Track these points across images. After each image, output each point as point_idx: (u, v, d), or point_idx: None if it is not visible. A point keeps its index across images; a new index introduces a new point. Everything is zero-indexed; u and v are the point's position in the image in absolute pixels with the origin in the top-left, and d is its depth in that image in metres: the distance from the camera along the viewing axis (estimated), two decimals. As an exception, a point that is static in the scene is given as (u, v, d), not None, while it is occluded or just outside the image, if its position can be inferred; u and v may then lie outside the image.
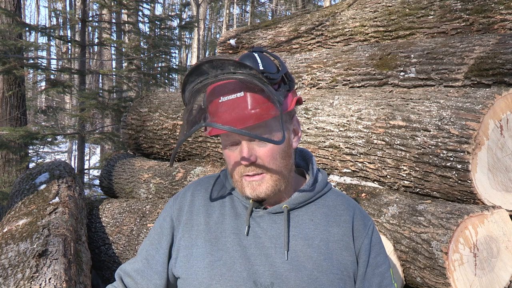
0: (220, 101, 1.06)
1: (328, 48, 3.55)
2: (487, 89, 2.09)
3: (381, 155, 2.22)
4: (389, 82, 2.64)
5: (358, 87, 2.80)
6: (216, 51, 5.40)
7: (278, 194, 1.15)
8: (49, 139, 6.22)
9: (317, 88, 3.03)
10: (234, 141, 1.10)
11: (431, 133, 2.02)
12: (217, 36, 23.13)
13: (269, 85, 1.03)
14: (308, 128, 2.60)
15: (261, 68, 1.05)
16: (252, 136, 1.01)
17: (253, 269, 1.11)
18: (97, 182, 7.80)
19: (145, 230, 2.88)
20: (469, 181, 1.87)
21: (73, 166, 4.40)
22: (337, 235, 1.15)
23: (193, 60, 14.35)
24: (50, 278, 2.07)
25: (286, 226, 1.13)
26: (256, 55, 1.08)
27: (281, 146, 1.10)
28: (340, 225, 1.16)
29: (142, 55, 7.24)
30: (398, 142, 2.14)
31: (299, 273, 1.10)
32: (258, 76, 1.02)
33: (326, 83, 2.99)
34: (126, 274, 1.29)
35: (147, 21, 7.77)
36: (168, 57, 8.84)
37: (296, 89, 3.15)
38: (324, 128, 2.52)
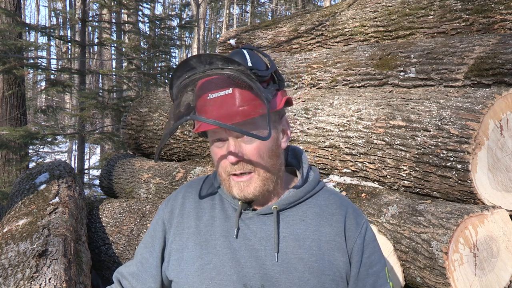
0: (208, 97, 1.05)
1: (328, 48, 3.55)
2: (487, 89, 2.09)
3: (381, 155, 2.22)
4: (389, 82, 2.64)
5: (358, 87, 2.80)
6: (216, 51, 5.41)
7: (266, 194, 1.14)
8: (49, 139, 6.22)
9: (317, 88, 3.03)
10: (221, 138, 1.10)
11: (431, 133, 2.02)
12: (217, 36, 23.12)
13: (257, 82, 1.02)
14: (308, 128, 2.60)
15: (249, 64, 1.04)
16: (237, 130, 1.00)
17: (243, 272, 1.10)
18: (97, 182, 7.80)
19: (145, 230, 2.88)
20: (469, 181, 1.87)
21: (73, 166, 4.40)
22: (329, 235, 1.13)
23: (193, 60, 14.30)
24: (50, 278, 2.07)
25: (276, 227, 1.11)
26: (245, 51, 1.07)
27: (268, 145, 1.09)
28: (332, 225, 1.14)
29: (142, 55, 7.23)
30: (398, 142, 2.14)
31: (290, 275, 1.09)
32: (246, 73, 1.01)
33: (326, 83, 2.99)
34: (123, 277, 1.29)
35: (147, 21, 7.77)
36: (168, 57, 8.84)
37: (296, 89, 3.14)
38: (324, 128, 2.52)
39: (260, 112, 1.04)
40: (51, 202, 2.89)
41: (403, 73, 2.57)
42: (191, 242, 1.17)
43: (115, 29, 8.80)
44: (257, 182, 1.10)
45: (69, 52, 14.06)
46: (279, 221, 1.14)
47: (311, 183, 1.19)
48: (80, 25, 6.57)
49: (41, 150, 8.45)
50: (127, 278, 1.28)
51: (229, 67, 1.01)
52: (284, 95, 1.12)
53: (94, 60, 15.78)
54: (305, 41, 3.77)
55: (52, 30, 6.72)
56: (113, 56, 11.77)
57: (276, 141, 1.12)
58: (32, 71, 8.57)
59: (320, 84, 3.02)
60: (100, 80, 14.56)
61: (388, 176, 2.22)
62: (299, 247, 1.11)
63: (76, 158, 8.18)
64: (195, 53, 13.82)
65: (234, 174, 1.10)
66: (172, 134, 1.09)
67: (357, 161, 2.35)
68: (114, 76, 9.54)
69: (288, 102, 1.14)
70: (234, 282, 1.10)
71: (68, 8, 15.61)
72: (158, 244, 1.23)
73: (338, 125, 2.46)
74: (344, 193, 2.25)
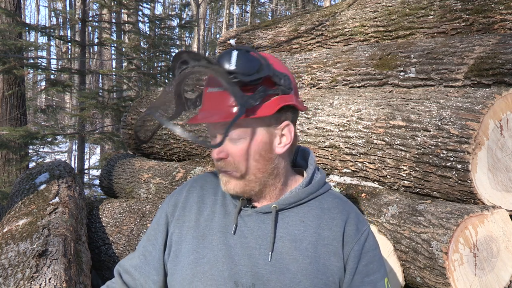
0: (207, 91, 1.09)
1: (328, 48, 3.55)
2: (487, 89, 2.09)
3: (381, 155, 2.22)
4: (389, 82, 2.64)
5: (358, 87, 2.80)
6: (216, 51, 5.40)
7: (253, 194, 1.14)
8: (49, 139, 6.22)
9: (317, 88, 3.03)
10: (213, 133, 1.12)
11: (431, 133, 2.02)
12: (217, 36, 23.12)
13: (235, 85, 1.01)
14: (308, 128, 2.61)
15: (232, 67, 1.01)
16: (186, 136, 1.03)
17: (235, 269, 1.10)
18: (97, 182, 7.80)
19: (145, 230, 2.88)
20: (469, 181, 1.87)
21: (73, 166, 4.40)
22: (327, 239, 1.12)
23: (193, 60, 14.33)
24: (50, 278, 2.07)
25: (273, 226, 1.11)
26: (234, 53, 1.04)
27: (255, 148, 1.09)
28: (331, 228, 1.13)
29: (142, 55, 7.24)
30: (398, 142, 2.14)
31: (282, 276, 1.08)
32: (225, 76, 1.00)
33: (326, 83, 2.99)
34: (124, 271, 1.29)
35: (147, 21, 7.78)
36: (168, 57, 8.84)
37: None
38: (324, 128, 2.52)
39: (232, 116, 1.02)
40: (51, 202, 2.89)
41: (403, 73, 2.57)
42: (189, 236, 1.18)
43: (115, 29, 8.80)
44: (238, 182, 1.11)
45: (69, 52, 14.07)
46: (278, 220, 1.13)
47: (314, 185, 1.17)
48: (80, 25, 6.57)
49: (41, 150, 8.45)
50: (129, 272, 1.28)
51: (211, 66, 1.02)
52: (283, 101, 1.08)
53: (94, 60, 15.79)
54: (305, 41, 3.77)
55: (52, 30, 6.72)
56: (113, 56, 11.77)
57: (267, 146, 1.10)
58: (32, 71, 8.57)
59: (320, 84, 3.03)
60: (100, 80, 14.57)
61: (388, 176, 2.22)
62: (295, 248, 1.10)
63: (76, 158, 8.18)
64: (195, 53, 13.81)
65: (221, 169, 1.13)
66: (153, 111, 1.10)
67: (357, 161, 2.35)
68: (114, 76, 9.54)
69: (293, 107, 1.12)
70: (225, 278, 1.10)
71: (68, 8, 15.61)
72: (160, 237, 1.24)
73: (338, 125, 2.46)
74: (344, 193, 2.25)
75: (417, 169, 2.06)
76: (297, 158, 1.26)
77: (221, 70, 1.01)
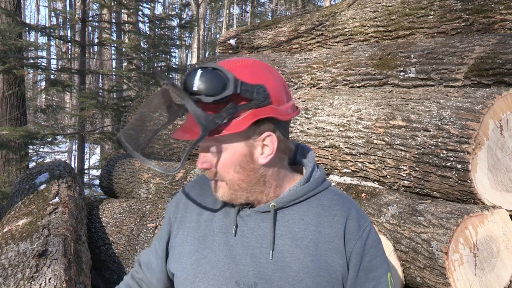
0: None
1: (328, 48, 3.55)
2: (487, 89, 2.09)
3: (381, 155, 2.22)
4: (389, 82, 2.64)
5: (358, 87, 2.80)
6: (216, 51, 5.39)
7: (241, 200, 1.14)
8: (49, 139, 6.22)
9: (317, 88, 3.03)
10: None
11: (431, 133, 2.02)
12: (217, 36, 23.12)
13: (197, 106, 1.00)
14: (308, 128, 2.61)
15: (194, 88, 1.01)
16: (143, 159, 1.06)
17: (237, 268, 1.11)
18: (97, 182, 7.79)
19: (145, 230, 2.88)
20: (469, 181, 1.87)
21: (73, 166, 4.40)
22: (328, 236, 1.12)
23: (193, 60, 14.36)
24: (50, 278, 2.07)
25: (272, 225, 1.11)
26: (198, 73, 1.02)
27: (235, 161, 1.08)
28: (332, 225, 1.13)
29: (142, 55, 7.24)
30: (398, 142, 2.14)
31: (284, 274, 1.09)
32: (186, 97, 1.01)
33: (326, 83, 2.99)
34: (142, 263, 1.36)
35: (147, 21, 7.78)
36: (168, 56, 8.84)
37: (296, 89, 3.15)
38: (324, 128, 2.52)
39: (196, 136, 1.03)
40: (51, 202, 2.89)
41: (403, 73, 2.57)
42: (190, 237, 1.19)
43: (115, 29, 8.80)
44: (225, 190, 1.12)
45: (69, 52, 14.05)
46: (277, 219, 1.13)
47: (313, 183, 1.17)
48: (80, 25, 6.57)
49: (41, 150, 8.44)
50: (141, 266, 1.35)
51: (175, 87, 1.03)
52: (257, 115, 1.05)
53: (94, 60, 15.79)
54: (305, 41, 3.77)
55: (52, 30, 6.72)
56: (113, 56, 11.76)
57: (247, 157, 1.09)
58: (32, 71, 8.57)
59: (320, 84, 3.03)
60: (100, 80, 14.58)
61: (388, 176, 2.22)
62: (296, 246, 1.11)
63: (76, 158, 8.19)
64: (195, 53, 13.82)
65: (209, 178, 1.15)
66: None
67: (357, 161, 2.35)
68: (114, 76, 9.55)
69: (273, 119, 1.09)
70: (227, 278, 1.11)
71: (68, 8, 15.62)
72: (163, 238, 1.27)
73: (338, 125, 2.46)
74: (343, 192, 2.25)
75: (417, 169, 2.06)
76: (297, 156, 1.25)
77: (183, 91, 1.01)
